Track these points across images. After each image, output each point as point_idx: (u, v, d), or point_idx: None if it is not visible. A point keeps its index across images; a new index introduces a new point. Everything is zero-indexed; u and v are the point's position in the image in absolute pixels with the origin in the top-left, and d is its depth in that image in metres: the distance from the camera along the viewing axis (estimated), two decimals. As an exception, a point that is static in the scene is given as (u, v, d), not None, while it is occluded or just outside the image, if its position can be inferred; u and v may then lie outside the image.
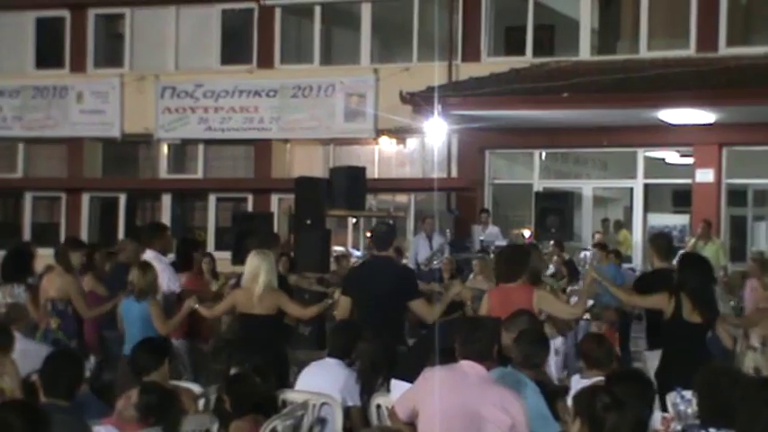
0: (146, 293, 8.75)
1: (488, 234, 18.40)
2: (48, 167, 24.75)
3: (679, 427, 6.12)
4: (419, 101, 19.35)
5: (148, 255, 9.74)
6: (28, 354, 7.90)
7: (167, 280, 9.54)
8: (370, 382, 7.43)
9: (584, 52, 20.80)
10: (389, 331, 8.08)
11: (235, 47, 23.00)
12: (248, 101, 22.31)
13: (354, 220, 21.37)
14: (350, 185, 17.27)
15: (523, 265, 7.98)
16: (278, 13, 22.72)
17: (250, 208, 22.29)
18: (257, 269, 8.52)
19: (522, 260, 8.05)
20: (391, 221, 19.08)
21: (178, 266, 10.17)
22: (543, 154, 21.33)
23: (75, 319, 9.75)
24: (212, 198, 23.29)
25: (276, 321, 8.69)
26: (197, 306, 8.84)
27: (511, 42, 21.83)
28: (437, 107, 18.89)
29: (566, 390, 6.93)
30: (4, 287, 10.11)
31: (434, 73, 19.04)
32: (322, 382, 7.48)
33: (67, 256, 9.79)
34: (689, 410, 6.07)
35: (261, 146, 22.72)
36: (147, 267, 8.95)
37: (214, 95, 22.49)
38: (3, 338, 7.37)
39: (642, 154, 20.31)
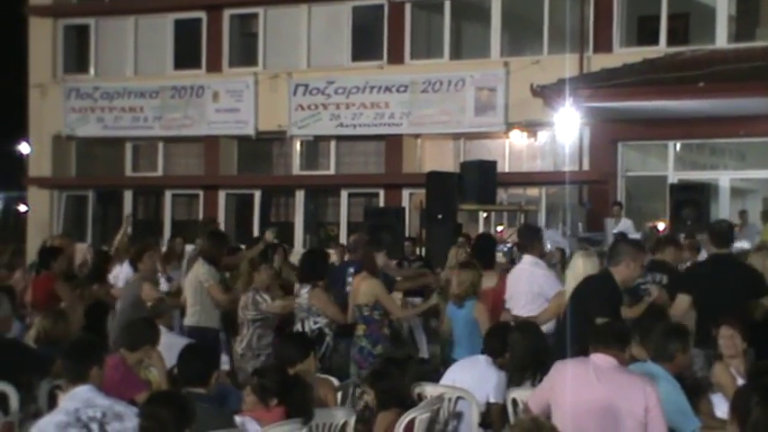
0: (463, 298, 8.86)
1: (621, 227, 18.14)
2: (186, 166, 25.44)
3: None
4: (550, 94, 19.22)
5: (527, 260, 9.45)
6: (173, 346, 8.14)
7: (548, 285, 9.23)
8: (521, 374, 7.49)
9: (721, 40, 20.32)
10: None
11: (365, 43, 23.21)
12: (379, 96, 22.49)
13: (485, 214, 21.33)
14: (481, 180, 17.27)
15: None
16: (408, 8, 22.83)
17: (381, 203, 22.48)
18: None
19: None
20: (523, 216, 19.05)
21: None
22: (678, 145, 20.94)
23: (380, 323, 9.42)
24: (344, 194, 23.56)
25: None
26: None
27: (644, 32, 21.47)
28: (568, 99, 18.74)
29: (710, 385, 6.83)
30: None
31: (565, 65, 18.89)
32: (468, 378, 7.57)
33: (373, 258, 9.64)
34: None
35: (392, 141, 22.87)
36: (469, 268, 9.02)
37: (345, 92, 22.74)
38: (150, 332, 7.63)
39: (782, 144, 19.76)
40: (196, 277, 10.05)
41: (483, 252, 10.04)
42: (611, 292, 7.40)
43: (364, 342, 9.28)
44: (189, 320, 10.06)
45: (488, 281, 9.35)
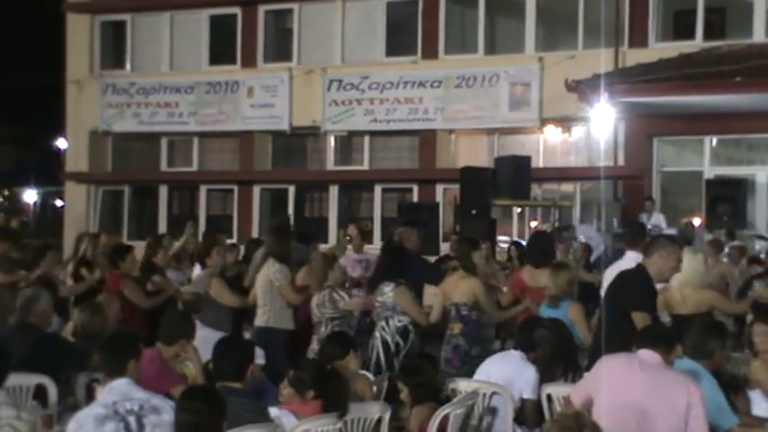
0: (559, 299, 8.86)
1: (654, 222, 18.06)
2: (220, 161, 25.58)
3: None
4: (585, 89, 19.14)
5: (630, 256, 9.32)
6: (208, 341, 8.20)
7: None
8: (550, 369, 7.50)
9: (759, 34, 20.15)
10: None
11: (399, 38, 23.21)
12: (413, 92, 22.50)
13: (519, 209, 21.31)
14: (515, 175, 17.22)
15: None
16: (442, 3, 22.80)
17: (415, 198, 22.48)
18: None
19: None
20: (557, 211, 18.99)
21: None
22: (714, 140, 20.80)
23: (479, 324, 9.36)
24: (378, 189, 23.60)
25: None
26: None
27: (680, 26, 21.33)
28: (604, 95, 18.65)
29: (747, 381, 6.81)
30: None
31: (600, 60, 18.78)
32: (502, 372, 7.58)
33: (470, 257, 9.54)
34: None
35: (426, 136, 22.88)
36: (562, 269, 9.02)
37: (379, 87, 22.77)
38: (186, 326, 7.68)
39: (820, 139, 19.57)
40: (267, 277, 9.83)
41: (539, 249, 9.92)
42: (646, 286, 7.38)
43: (461, 341, 9.15)
44: (259, 321, 9.86)
45: (545, 278, 9.29)
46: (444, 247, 16.17)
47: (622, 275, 7.69)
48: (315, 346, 9.28)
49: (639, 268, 7.53)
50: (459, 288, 9.29)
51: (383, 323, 9.14)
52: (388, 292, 9.15)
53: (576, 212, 21.42)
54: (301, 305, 9.96)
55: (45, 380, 7.35)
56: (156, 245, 11.57)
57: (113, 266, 10.74)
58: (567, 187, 22.26)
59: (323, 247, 13.52)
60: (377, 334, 9.12)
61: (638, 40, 20.89)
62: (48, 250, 11.72)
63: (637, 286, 7.35)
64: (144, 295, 10.61)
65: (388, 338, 9.04)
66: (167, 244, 12.34)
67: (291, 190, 24.29)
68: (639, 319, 6.97)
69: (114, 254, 10.84)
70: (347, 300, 9.49)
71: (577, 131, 22.00)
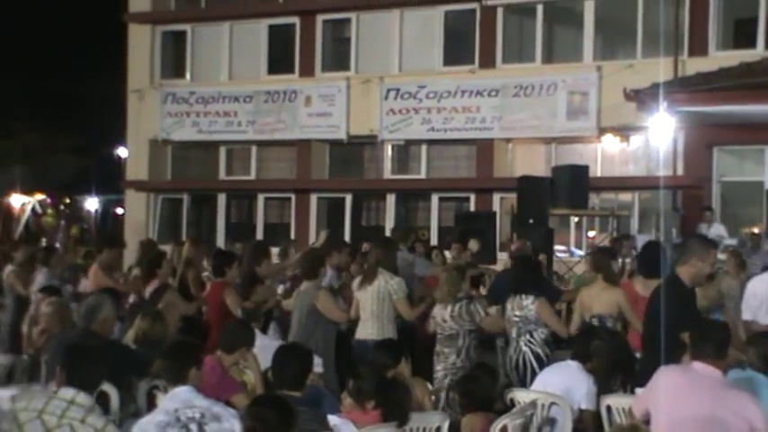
0: (710, 311, 8.84)
1: (714, 232, 17.84)
2: (278, 169, 25.74)
3: None
4: (644, 98, 19.00)
5: None
6: (266, 349, 8.27)
7: None
8: (606, 381, 7.45)
9: (822, 43, 19.87)
10: None
11: (457, 47, 23.21)
12: (470, 101, 22.49)
13: (577, 219, 21.18)
14: (572, 184, 17.15)
15: None
16: (500, 12, 22.77)
17: (472, 207, 22.46)
18: None
19: None
20: (615, 221, 18.86)
21: None
22: (775, 150, 20.52)
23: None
24: (435, 198, 23.59)
25: None
26: None
27: (741, 35, 21.07)
28: (663, 104, 18.50)
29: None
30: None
31: (660, 69, 18.63)
32: (560, 383, 7.55)
33: (610, 266, 9.34)
34: None
35: (483, 145, 22.84)
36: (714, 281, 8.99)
37: (437, 96, 22.78)
38: (246, 334, 7.76)
39: None
40: (385, 289, 9.61)
41: (651, 260, 9.60)
42: (681, 299, 7.17)
43: None
44: (363, 334, 9.63)
45: None
46: (501, 257, 16.14)
47: (658, 290, 7.46)
48: (454, 358, 9.09)
49: (671, 279, 7.32)
50: (602, 299, 9.09)
51: (528, 336, 9.02)
52: (528, 305, 9.03)
53: (635, 222, 21.25)
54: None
55: (107, 386, 7.45)
56: (261, 255, 11.23)
57: (219, 275, 10.36)
58: (625, 197, 22.09)
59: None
60: (524, 348, 9.01)
61: (698, 48, 20.69)
62: (163, 259, 11.69)
63: (671, 304, 7.16)
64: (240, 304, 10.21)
65: (539, 350, 8.99)
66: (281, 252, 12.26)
67: (348, 199, 24.37)
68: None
69: (221, 262, 10.46)
70: (482, 314, 9.24)
71: (636, 141, 21.83)
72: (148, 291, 10.51)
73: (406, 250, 11.85)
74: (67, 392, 5.73)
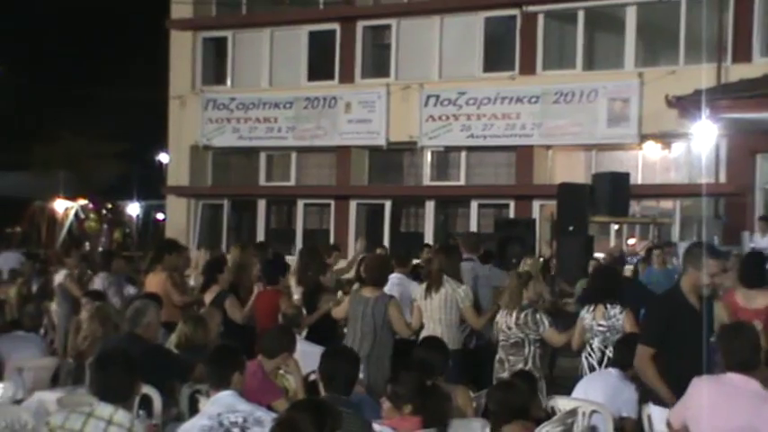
0: None
1: (762, 243, 17.61)
2: (318, 175, 25.83)
3: None
4: (686, 105, 18.89)
5: None
6: (307, 354, 8.30)
7: None
8: (646, 390, 7.39)
9: None
10: None
11: (497, 54, 23.18)
12: (510, 107, 22.45)
13: (617, 226, 21.06)
14: (613, 191, 17.07)
15: None
16: (541, 18, 22.72)
17: (512, 214, 22.41)
18: None
19: None
20: (656, 229, 18.75)
21: None
22: (821, 157, 20.30)
23: None
24: (474, 204, 23.56)
25: None
26: None
27: (785, 41, 20.88)
28: (705, 111, 18.37)
29: None
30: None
31: (702, 75, 18.52)
32: (601, 390, 7.52)
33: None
34: None
35: (522, 152, 22.79)
36: None
37: (476, 103, 22.76)
38: (287, 340, 7.79)
39: None
40: (452, 297, 9.44)
41: (755, 270, 9.35)
42: (659, 309, 7.03)
43: None
44: None
45: (762, 299, 8.84)
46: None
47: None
48: (521, 366, 8.96)
49: (671, 290, 7.22)
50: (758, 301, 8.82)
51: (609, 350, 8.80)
52: (616, 314, 8.87)
53: (676, 230, 21.09)
54: None
55: (150, 390, 7.51)
56: (321, 266, 11.20)
57: (271, 283, 10.31)
58: (666, 204, 21.95)
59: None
60: (611, 356, 8.80)
61: (742, 54, 20.52)
62: (223, 265, 11.73)
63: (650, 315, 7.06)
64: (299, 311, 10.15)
65: None
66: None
67: (388, 205, 24.40)
68: None
69: (275, 269, 10.41)
70: (546, 324, 9.11)
71: (678, 148, 21.68)
72: (208, 297, 10.50)
73: (477, 259, 11.67)
74: (105, 410, 5.37)
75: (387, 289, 9.66)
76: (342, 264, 13.87)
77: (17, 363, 9.24)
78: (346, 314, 9.50)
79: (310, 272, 11.06)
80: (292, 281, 11.78)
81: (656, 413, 6.97)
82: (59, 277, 14.30)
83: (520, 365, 8.99)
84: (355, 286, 11.35)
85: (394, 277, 10.72)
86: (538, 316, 9.15)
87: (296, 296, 10.57)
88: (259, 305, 10.23)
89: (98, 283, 13.21)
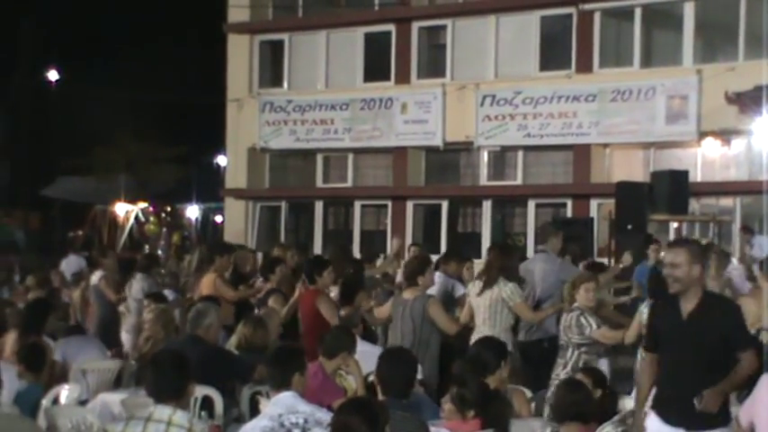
0: None
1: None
2: (374, 177, 25.88)
3: None
4: (746, 101, 18.68)
5: None
6: (366, 355, 8.33)
7: None
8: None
9: None
10: None
11: (553, 52, 23.06)
12: (567, 106, 22.32)
13: (676, 224, 20.84)
14: (672, 189, 16.96)
15: None
16: (597, 16, 22.55)
17: (569, 213, 22.28)
18: None
19: None
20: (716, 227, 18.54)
21: None
22: None
23: None
24: (531, 204, 23.45)
25: None
26: None
27: None
28: (765, 106, 18.15)
29: None
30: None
31: (763, 71, 18.28)
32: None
33: None
34: None
35: (580, 151, 22.65)
36: None
37: (533, 102, 22.67)
38: (347, 340, 7.84)
39: None
40: (498, 295, 9.30)
41: None
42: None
43: None
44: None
45: None
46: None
47: None
48: (559, 370, 8.86)
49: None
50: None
51: None
52: None
53: (736, 228, 20.82)
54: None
55: (212, 391, 7.61)
56: (355, 264, 11.30)
57: (311, 282, 10.19)
58: (726, 202, 21.68)
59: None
60: None
61: (803, 49, 20.21)
62: (276, 265, 11.76)
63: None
64: (338, 313, 10.04)
65: None
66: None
67: (444, 205, 24.38)
68: None
69: (314, 268, 10.25)
70: (594, 327, 8.88)
71: (737, 144, 21.41)
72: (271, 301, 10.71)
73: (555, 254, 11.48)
74: (163, 412, 5.36)
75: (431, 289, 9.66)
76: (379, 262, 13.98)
77: (81, 365, 9.43)
78: (389, 315, 9.55)
79: (348, 270, 11.08)
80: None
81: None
82: (95, 278, 14.23)
83: (558, 369, 8.87)
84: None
85: (436, 276, 10.59)
86: (583, 319, 8.87)
87: (332, 293, 10.58)
88: (300, 305, 10.19)
89: (136, 285, 13.06)
